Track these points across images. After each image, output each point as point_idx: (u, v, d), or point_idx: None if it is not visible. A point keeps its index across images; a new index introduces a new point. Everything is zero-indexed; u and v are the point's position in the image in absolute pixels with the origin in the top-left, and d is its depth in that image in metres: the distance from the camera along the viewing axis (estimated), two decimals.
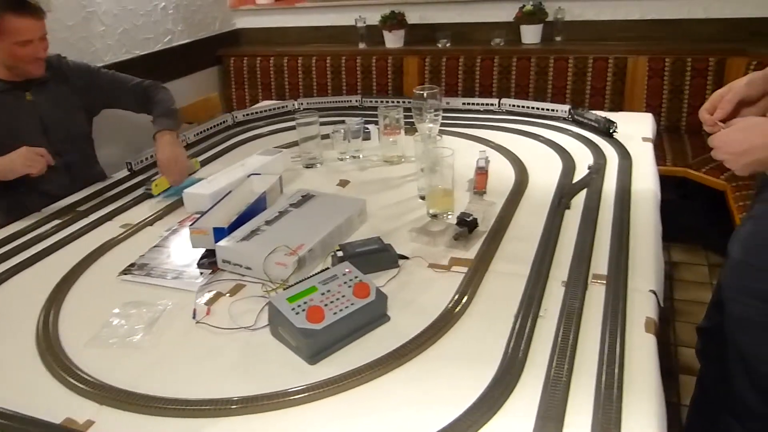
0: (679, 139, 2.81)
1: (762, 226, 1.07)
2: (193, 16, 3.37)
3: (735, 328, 1.18)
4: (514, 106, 2.14)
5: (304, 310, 0.95)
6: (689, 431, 1.59)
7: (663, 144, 2.74)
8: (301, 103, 2.38)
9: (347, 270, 1.05)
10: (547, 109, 2.04)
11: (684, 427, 1.62)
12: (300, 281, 1.02)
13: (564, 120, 1.99)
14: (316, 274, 1.05)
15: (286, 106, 2.38)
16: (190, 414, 0.87)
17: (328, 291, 1.00)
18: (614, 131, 1.77)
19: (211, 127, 2.19)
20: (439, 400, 0.85)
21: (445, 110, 2.15)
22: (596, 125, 1.85)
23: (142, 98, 1.91)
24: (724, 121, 1.09)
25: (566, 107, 2.03)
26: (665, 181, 2.60)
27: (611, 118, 1.85)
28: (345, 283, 1.02)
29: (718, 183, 2.43)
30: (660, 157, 2.57)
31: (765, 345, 1.11)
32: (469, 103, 2.23)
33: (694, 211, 3.10)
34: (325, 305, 0.97)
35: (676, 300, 2.48)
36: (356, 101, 2.40)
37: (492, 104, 2.21)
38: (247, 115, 2.33)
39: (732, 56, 2.73)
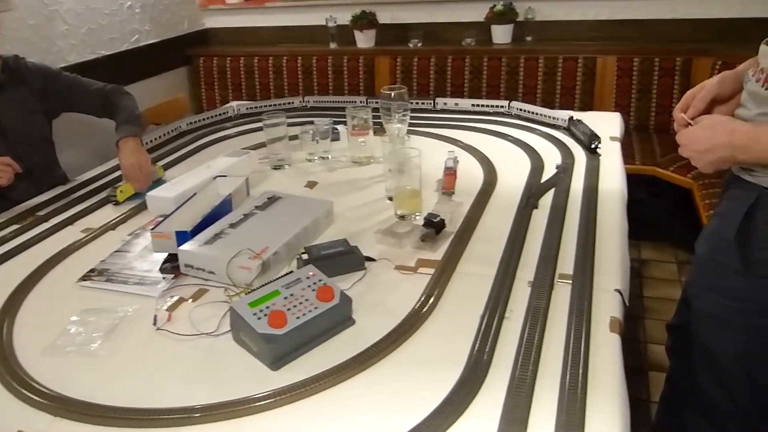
0: (647, 138, 2.84)
1: (727, 224, 1.07)
2: (161, 16, 3.32)
3: (701, 325, 1.19)
4: (521, 110, 2.11)
5: (266, 315, 0.93)
6: (658, 428, 1.60)
7: (632, 143, 2.76)
8: (308, 101, 2.39)
9: (311, 273, 1.03)
10: (550, 117, 2.01)
11: (653, 424, 1.63)
12: (262, 285, 1.01)
13: (561, 129, 1.97)
14: (279, 277, 1.03)
15: (292, 102, 2.39)
16: (149, 424, 0.84)
17: (291, 295, 0.98)
18: (597, 146, 1.74)
19: (171, 130, 2.15)
20: (403, 405, 0.84)
21: (449, 111, 2.19)
22: (582, 138, 1.84)
23: (104, 103, 1.88)
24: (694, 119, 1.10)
25: (566, 116, 1.99)
26: (634, 179, 2.63)
27: (596, 133, 1.81)
28: (309, 286, 1.01)
29: (685, 181, 2.46)
30: (629, 156, 2.60)
31: (729, 342, 1.12)
32: (478, 105, 2.20)
33: (663, 209, 3.14)
34: (288, 309, 0.95)
35: (645, 297, 2.51)
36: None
37: (502, 106, 2.16)
38: (251, 108, 2.33)
39: (698, 56, 2.77)
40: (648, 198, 3.14)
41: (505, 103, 2.15)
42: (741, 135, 0.98)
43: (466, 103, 2.20)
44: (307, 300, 0.98)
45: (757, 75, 1.03)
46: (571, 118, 1.92)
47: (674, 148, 2.70)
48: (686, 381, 1.33)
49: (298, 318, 0.94)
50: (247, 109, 2.35)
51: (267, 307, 0.95)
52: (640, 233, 2.94)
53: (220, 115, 2.30)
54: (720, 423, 1.24)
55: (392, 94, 1.57)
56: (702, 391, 1.23)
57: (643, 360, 2.15)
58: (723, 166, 1.04)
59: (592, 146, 1.72)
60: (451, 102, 2.22)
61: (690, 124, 1.09)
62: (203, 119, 2.25)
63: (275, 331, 0.92)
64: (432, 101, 2.24)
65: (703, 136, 1.04)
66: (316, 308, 0.97)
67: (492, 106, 2.16)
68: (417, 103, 2.23)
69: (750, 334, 1.09)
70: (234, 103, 2.41)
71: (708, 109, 1.12)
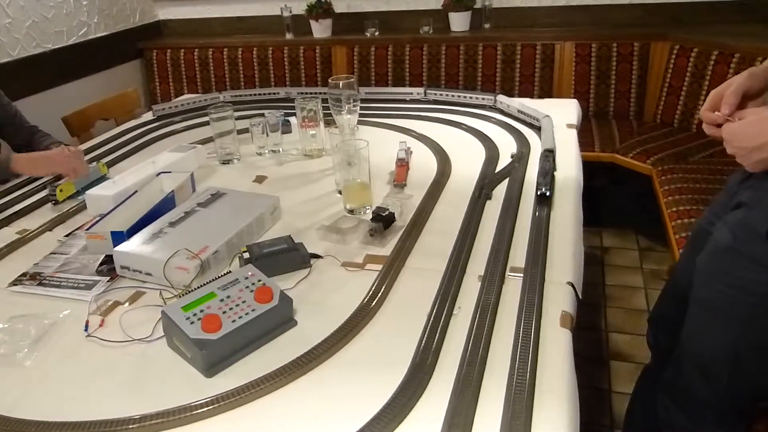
0: (607, 124, 2.84)
1: (757, 215, 1.02)
2: (111, 8, 3.21)
3: (699, 317, 1.15)
4: (440, 94, 2.10)
5: (199, 319, 0.88)
6: (630, 416, 1.59)
7: (591, 130, 2.76)
8: (290, 92, 2.30)
9: (250, 273, 0.98)
10: (473, 97, 2.00)
11: (625, 414, 1.62)
12: (198, 287, 0.95)
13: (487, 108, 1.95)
14: (216, 279, 0.98)
15: (278, 93, 2.31)
16: None
17: (228, 297, 0.93)
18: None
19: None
20: (344, 410, 0.80)
21: (403, 101, 2.14)
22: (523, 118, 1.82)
23: (31, 140, 1.90)
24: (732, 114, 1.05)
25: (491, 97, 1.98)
26: (596, 167, 2.65)
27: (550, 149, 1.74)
28: (246, 287, 0.96)
29: (644, 168, 2.47)
30: (588, 144, 2.61)
31: (722, 334, 1.10)
32: (464, 96, 2.14)
33: (624, 196, 3.16)
34: (224, 312, 0.90)
35: (607, 285, 2.51)
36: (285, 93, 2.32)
37: (484, 98, 2.07)
38: (237, 96, 2.25)
39: (655, 41, 2.77)
40: (609, 185, 3.16)
41: (421, 90, 2.13)
42: None
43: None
44: (244, 302, 0.93)
45: None
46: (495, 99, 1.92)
47: (633, 135, 2.71)
48: (666, 370, 1.32)
49: (233, 321, 0.90)
50: (232, 97, 2.27)
51: (201, 311, 0.90)
52: (602, 221, 2.96)
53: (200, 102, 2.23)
54: (692, 410, 1.22)
55: (340, 84, 1.52)
56: (683, 381, 1.21)
57: (605, 349, 2.15)
58: None
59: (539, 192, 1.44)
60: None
61: (729, 119, 1.04)
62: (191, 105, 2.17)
63: (209, 336, 0.87)
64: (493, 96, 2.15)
65: (753, 133, 0.99)
66: (253, 310, 0.92)
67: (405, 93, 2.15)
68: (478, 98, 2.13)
69: (754, 330, 1.06)
70: (222, 95, 2.31)
71: (741, 105, 1.06)
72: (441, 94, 2.11)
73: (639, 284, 2.47)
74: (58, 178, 1.59)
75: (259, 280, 0.97)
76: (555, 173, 1.41)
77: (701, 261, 1.16)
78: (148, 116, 2.20)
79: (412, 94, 2.14)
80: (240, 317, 0.91)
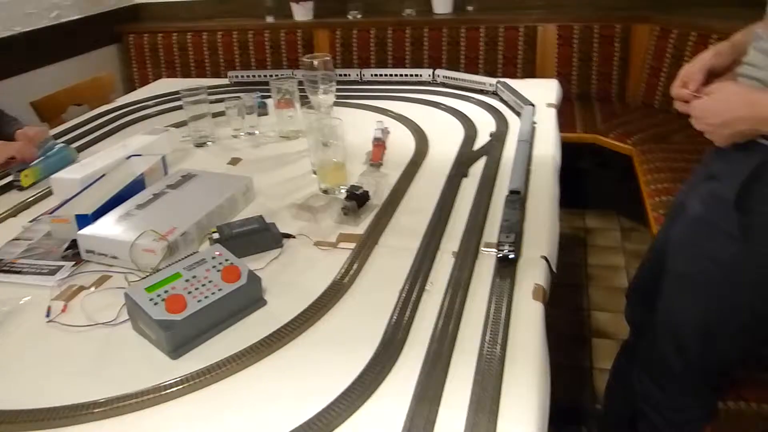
0: (589, 106, 2.83)
1: (726, 186, 1.02)
2: None
3: (673, 288, 1.15)
4: (447, 77, 2.06)
5: (163, 300, 0.86)
6: (610, 391, 1.59)
7: (573, 111, 2.75)
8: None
9: (217, 253, 0.96)
10: (477, 83, 1.96)
11: (605, 389, 1.62)
12: (163, 268, 0.93)
13: (489, 94, 1.93)
14: (181, 259, 0.95)
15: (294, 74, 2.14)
16: (41, 426, 0.76)
17: (194, 277, 0.91)
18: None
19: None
20: (313, 388, 0.78)
21: (378, 83, 2.10)
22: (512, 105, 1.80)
23: None
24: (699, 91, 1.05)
25: (494, 81, 1.94)
26: (578, 148, 2.63)
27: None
28: (213, 267, 0.93)
29: (625, 148, 2.46)
30: (570, 125, 2.59)
31: (699, 307, 1.10)
32: (402, 75, 2.11)
33: (608, 178, 3.15)
34: (189, 293, 0.88)
35: (589, 266, 2.51)
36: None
37: (428, 75, 2.08)
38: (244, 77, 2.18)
39: (636, 23, 2.76)
40: (593, 168, 3.15)
41: (430, 71, 2.09)
42: (764, 108, 0.93)
43: (388, 73, 2.14)
44: (210, 282, 0.91)
45: None
46: (498, 83, 1.88)
47: (615, 116, 2.70)
48: (642, 344, 1.32)
49: (199, 301, 0.87)
50: (241, 77, 2.24)
51: (165, 291, 0.87)
52: (585, 203, 2.95)
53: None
54: (665, 383, 1.22)
55: (315, 63, 1.49)
56: (658, 356, 1.21)
57: (587, 328, 2.15)
58: (741, 140, 0.99)
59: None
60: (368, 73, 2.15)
61: (697, 96, 1.04)
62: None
63: (173, 317, 0.84)
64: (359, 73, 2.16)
65: (720, 109, 0.99)
66: (220, 290, 0.90)
67: (416, 75, 2.10)
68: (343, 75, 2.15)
69: (725, 300, 1.06)
70: (233, 73, 2.26)
71: (706, 82, 1.07)
72: (448, 77, 2.06)
73: (621, 264, 2.47)
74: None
75: (227, 260, 0.95)
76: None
77: (675, 233, 1.16)
78: (123, 100, 2.16)
79: (420, 75, 2.10)
80: (206, 297, 0.88)
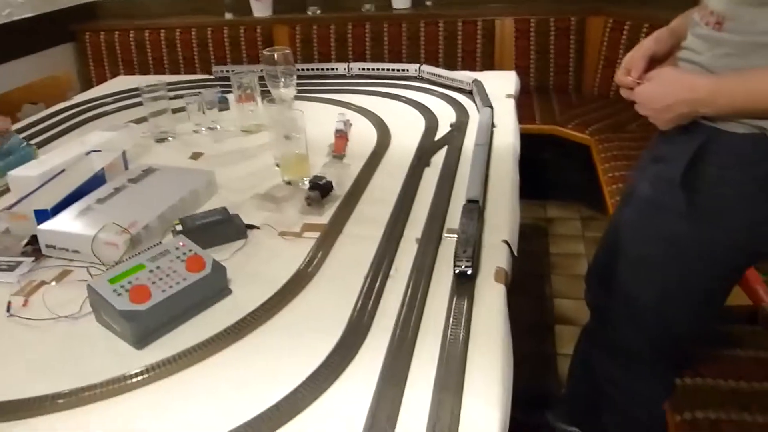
0: (547, 98, 2.88)
1: (672, 167, 1.06)
2: None
3: (627, 269, 1.19)
4: (431, 74, 2.04)
5: (126, 291, 0.86)
6: (572, 375, 1.63)
7: (532, 104, 2.80)
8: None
9: (181, 244, 0.96)
10: (456, 80, 1.97)
11: (568, 373, 1.66)
12: (126, 260, 0.93)
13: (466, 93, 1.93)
14: (144, 250, 0.95)
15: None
16: (2, 418, 0.75)
17: (158, 268, 0.91)
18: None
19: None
20: (279, 374, 0.79)
21: (343, 77, 2.08)
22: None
23: None
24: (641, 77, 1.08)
25: (470, 78, 1.95)
26: (537, 139, 2.68)
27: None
28: (177, 257, 0.93)
29: (583, 138, 2.52)
30: (530, 117, 2.64)
31: (653, 286, 1.13)
32: (387, 69, 2.09)
33: (568, 168, 3.22)
34: (153, 283, 0.88)
35: (552, 254, 2.56)
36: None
37: (415, 70, 2.08)
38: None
39: (590, 15, 2.82)
40: (552, 159, 3.21)
41: (416, 66, 2.09)
42: (702, 90, 0.96)
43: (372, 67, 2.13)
44: (175, 272, 0.91)
45: (706, 18, 0.99)
46: (475, 81, 1.90)
47: (572, 107, 2.75)
48: (601, 326, 1.35)
49: (163, 291, 0.87)
50: (226, 72, 2.16)
51: (129, 282, 0.87)
52: (546, 193, 3.01)
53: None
54: (624, 362, 1.26)
55: (275, 56, 1.50)
56: (620, 339, 1.24)
57: (550, 315, 2.19)
58: (683, 122, 1.02)
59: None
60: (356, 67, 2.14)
61: (639, 83, 1.07)
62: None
63: (137, 307, 0.84)
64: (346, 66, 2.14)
65: (661, 93, 1.02)
66: (184, 279, 0.90)
67: (400, 70, 2.10)
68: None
69: (677, 279, 1.10)
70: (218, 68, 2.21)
71: (648, 68, 1.10)
72: (432, 73, 2.05)
73: (582, 251, 2.53)
74: None
75: (191, 250, 0.95)
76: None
77: (626, 216, 1.20)
78: (81, 98, 2.12)
79: (407, 70, 2.08)
80: (170, 287, 0.88)
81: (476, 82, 1.87)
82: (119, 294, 0.85)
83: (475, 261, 0.96)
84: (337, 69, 2.13)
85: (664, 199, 1.08)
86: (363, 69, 2.13)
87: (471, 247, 0.97)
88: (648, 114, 1.05)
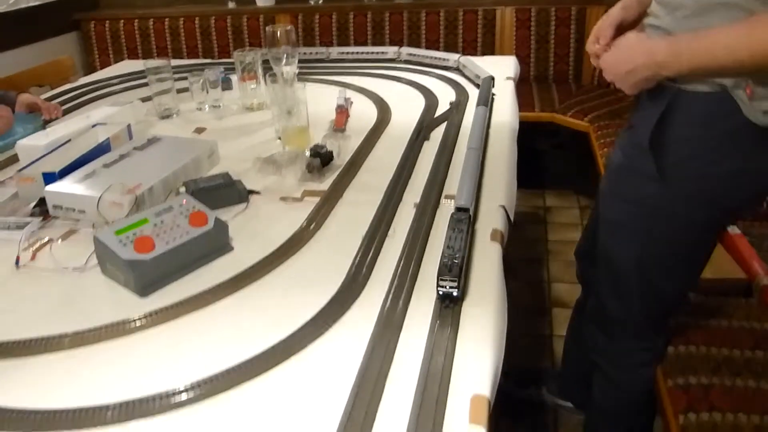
0: (547, 88, 2.91)
1: (640, 131, 1.09)
2: None
3: (606, 235, 1.22)
4: (411, 55, 2.12)
5: (131, 241, 0.88)
6: (566, 351, 1.66)
7: (532, 92, 2.82)
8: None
9: (184, 201, 0.99)
10: (440, 59, 2.01)
11: (563, 350, 1.69)
12: (131, 215, 0.95)
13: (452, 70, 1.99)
14: (150, 208, 0.97)
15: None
16: (12, 354, 0.78)
17: (162, 222, 0.93)
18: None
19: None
20: (277, 321, 0.82)
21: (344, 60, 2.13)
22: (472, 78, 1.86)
23: None
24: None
25: (455, 57, 2.00)
26: (536, 128, 2.71)
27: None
28: (181, 213, 0.96)
29: (582, 125, 2.54)
30: (529, 105, 2.66)
31: (632, 249, 1.15)
32: (366, 52, 2.15)
33: (566, 159, 3.25)
34: (157, 235, 0.91)
35: (549, 241, 2.59)
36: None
37: (394, 53, 2.14)
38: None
39: (590, 5, 2.84)
40: (551, 150, 3.24)
41: (395, 49, 2.14)
42: (661, 53, 0.98)
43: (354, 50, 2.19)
44: (178, 226, 0.93)
45: None
46: (460, 58, 1.94)
47: (572, 96, 2.77)
48: (590, 298, 1.37)
49: (167, 243, 0.90)
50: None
51: (134, 234, 0.90)
52: (545, 184, 3.04)
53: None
54: (611, 331, 1.28)
55: (278, 33, 1.52)
56: (601, 301, 1.27)
57: (546, 299, 2.22)
58: (647, 86, 1.04)
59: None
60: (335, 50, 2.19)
61: (607, 51, 1.10)
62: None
63: (141, 257, 0.87)
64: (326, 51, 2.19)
65: (623, 59, 1.04)
66: (187, 233, 0.92)
67: (381, 53, 2.14)
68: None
69: (654, 241, 1.12)
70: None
71: (617, 36, 1.12)
72: (412, 54, 2.11)
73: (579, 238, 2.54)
74: None
75: (194, 207, 0.98)
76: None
77: (602, 183, 1.24)
78: (86, 80, 2.15)
79: (385, 53, 2.14)
80: (174, 239, 0.91)
81: (464, 58, 1.91)
82: (124, 244, 0.88)
83: (462, 283, 0.83)
84: (315, 53, 2.18)
85: (634, 163, 1.11)
86: (342, 53, 2.19)
87: (458, 266, 0.82)
88: (613, 79, 1.08)
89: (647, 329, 1.23)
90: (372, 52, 2.14)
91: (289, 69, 1.58)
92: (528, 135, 2.82)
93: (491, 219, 1.05)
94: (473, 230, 1.01)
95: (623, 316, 1.23)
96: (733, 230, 1.50)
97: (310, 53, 2.17)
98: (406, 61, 2.09)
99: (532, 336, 2.03)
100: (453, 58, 1.99)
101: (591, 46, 1.15)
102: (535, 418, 1.72)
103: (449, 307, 0.81)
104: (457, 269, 0.82)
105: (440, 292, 0.82)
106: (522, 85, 2.78)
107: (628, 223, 1.14)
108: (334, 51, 2.19)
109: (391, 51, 2.13)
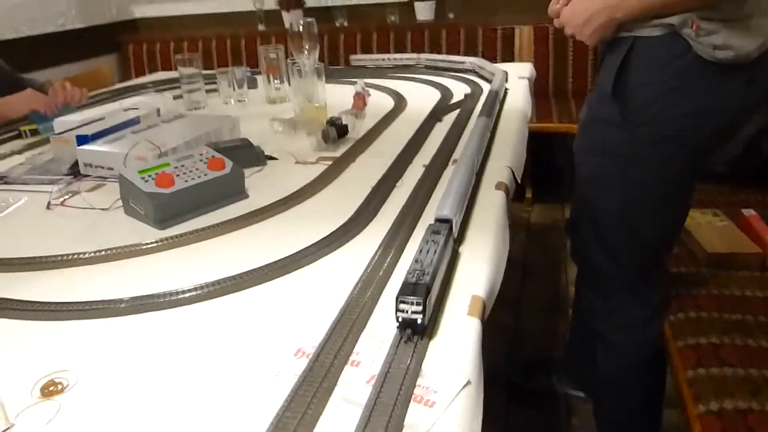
0: (565, 101, 2.95)
1: (603, 84, 1.14)
2: (88, 2, 3.30)
3: (586, 191, 1.25)
4: (429, 60, 2.21)
5: (153, 178, 0.94)
6: (571, 328, 1.66)
7: (551, 107, 2.87)
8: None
9: (204, 151, 1.05)
10: (457, 62, 2.09)
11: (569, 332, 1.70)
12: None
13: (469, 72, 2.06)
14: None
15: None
16: (39, 267, 0.84)
17: (182, 165, 1.00)
18: None
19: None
20: (285, 243, 0.86)
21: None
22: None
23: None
24: None
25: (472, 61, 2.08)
26: (556, 143, 2.75)
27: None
28: (200, 159, 1.02)
29: None
30: (547, 117, 2.71)
31: (607, 200, 1.18)
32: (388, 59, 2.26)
33: None
34: (177, 176, 0.97)
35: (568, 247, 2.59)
36: None
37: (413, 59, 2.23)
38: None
39: None
40: (569, 165, 3.25)
41: (415, 56, 2.22)
42: None
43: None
44: (197, 169, 0.99)
45: None
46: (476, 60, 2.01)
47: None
48: (582, 264, 1.39)
49: (186, 181, 0.96)
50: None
51: (156, 173, 0.96)
52: (563, 197, 3.05)
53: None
54: (603, 289, 1.29)
55: (300, 24, 1.61)
56: (591, 261, 1.28)
57: (564, 300, 2.22)
58: (606, 34, 1.09)
59: None
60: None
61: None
62: None
63: (162, 191, 0.93)
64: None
65: (579, 10, 1.10)
66: (206, 175, 0.98)
67: (399, 59, 2.23)
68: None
69: (629, 187, 1.15)
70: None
71: None
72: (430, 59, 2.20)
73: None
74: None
75: (213, 155, 1.04)
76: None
77: (575, 143, 1.27)
78: (122, 85, 2.27)
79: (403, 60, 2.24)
80: (193, 179, 0.97)
81: (479, 60, 1.99)
82: (146, 181, 0.94)
83: (431, 309, 0.62)
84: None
85: (601, 114, 1.15)
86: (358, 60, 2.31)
87: (424, 288, 0.60)
88: (573, 32, 1.13)
89: (638, 281, 1.24)
90: (394, 59, 2.23)
91: (310, 61, 1.67)
92: (546, 149, 2.87)
93: (497, 175, 1.09)
94: (477, 182, 1.05)
95: (612, 270, 1.24)
96: (749, 212, 1.50)
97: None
98: (426, 66, 2.17)
99: (546, 330, 2.04)
100: (469, 60, 2.05)
101: (551, 7, 1.19)
102: (548, 409, 1.71)
103: (411, 340, 0.59)
104: (423, 290, 0.60)
105: (399, 318, 0.59)
106: (540, 100, 2.83)
107: (602, 176, 1.18)
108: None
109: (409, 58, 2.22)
